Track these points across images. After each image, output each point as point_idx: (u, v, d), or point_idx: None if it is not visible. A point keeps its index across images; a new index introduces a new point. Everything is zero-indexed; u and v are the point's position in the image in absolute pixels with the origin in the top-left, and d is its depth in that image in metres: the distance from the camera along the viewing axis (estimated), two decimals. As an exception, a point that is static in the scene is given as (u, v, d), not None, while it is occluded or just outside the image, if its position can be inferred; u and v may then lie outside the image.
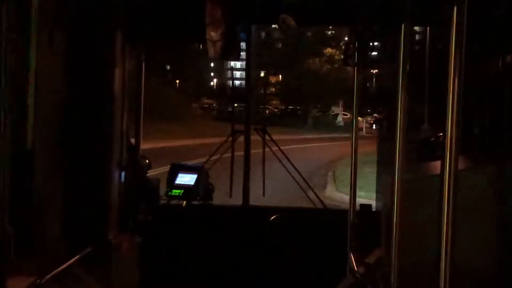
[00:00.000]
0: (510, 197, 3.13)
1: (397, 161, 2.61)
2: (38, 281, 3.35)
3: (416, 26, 2.58)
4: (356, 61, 4.34)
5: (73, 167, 4.32)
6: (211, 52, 5.31)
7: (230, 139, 6.87)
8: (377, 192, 5.40)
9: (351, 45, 4.49)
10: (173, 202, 6.06)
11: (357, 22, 4.55)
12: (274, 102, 55.33)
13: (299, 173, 7.10)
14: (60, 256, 3.85)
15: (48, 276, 3.43)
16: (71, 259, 3.82)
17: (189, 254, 5.96)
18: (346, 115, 48.41)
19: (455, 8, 1.99)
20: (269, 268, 5.91)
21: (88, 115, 4.44)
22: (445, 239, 1.97)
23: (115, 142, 4.63)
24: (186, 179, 6.09)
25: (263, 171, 7.23)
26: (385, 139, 5.31)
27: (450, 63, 2.02)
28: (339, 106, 53.92)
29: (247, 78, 7.01)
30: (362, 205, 5.53)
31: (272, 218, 6.02)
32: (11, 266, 2.89)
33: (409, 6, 2.70)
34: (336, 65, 46.14)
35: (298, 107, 57.36)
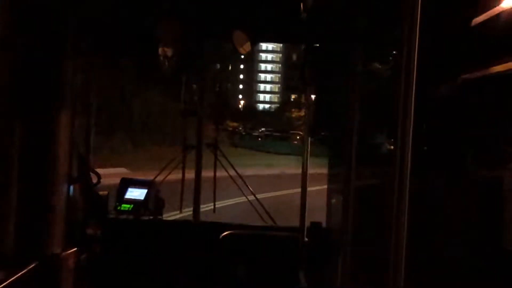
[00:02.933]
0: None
1: (351, 180, 2.63)
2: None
3: (370, 45, 2.61)
4: (309, 80, 4.37)
5: (20, 179, 4.23)
6: (165, 68, 5.31)
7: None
8: (327, 210, 5.42)
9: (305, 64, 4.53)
10: (123, 216, 6.01)
11: (311, 41, 4.59)
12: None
13: (251, 191, 7.13)
14: (6, 271, 3.76)
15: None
16: (16, 274, 3.73)
17: (137, 269, 5.90)
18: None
19: (406, 28, 2.02)
20: (218, 285, 5.89)
21: (36, 125, 4.36)
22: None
23: (64, 154, 4.55)
24: (136, 193, 6.04)
25: (214, 187, 7.23)
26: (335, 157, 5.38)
27: (401, 84, 2.04)
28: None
29: (200, 94, 7.01)
30: (312, 223, 5.55)
31: (223, 234, 6.00)
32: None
33: (363, 26, 2.73)
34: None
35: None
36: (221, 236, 6.01)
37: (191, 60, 6.17)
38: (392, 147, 2.18)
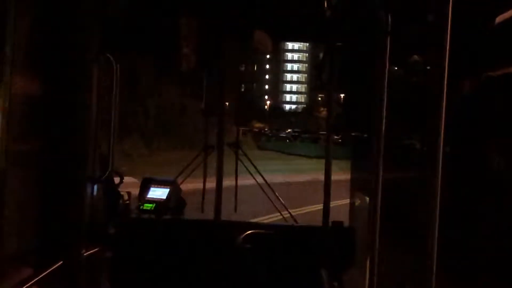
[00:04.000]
0: None
1: (378, 181, 2.61)
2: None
3: (397, 42, 2.59)
4: (329, 80, 4.34)
5: (45, 180, 4.25)
6: (184, 66, 5.30)
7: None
8: (350, 209, 5.40)
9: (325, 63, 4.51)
10: (145, 216, 6.01)
11: (333, 39, 4.57)
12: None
13: (272, 190, 7.09)
14: (31, 269, 3.78)
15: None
16: (42, 273, 3.76)
17: (159, 268, 5.91)
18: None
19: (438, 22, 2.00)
20: (240, 285, 5.88)
21: (61, 127, 4.39)
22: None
23: (88, 155, 4.58)
24: (158, 193, 6.04)
25: (236, 186, 7.22)
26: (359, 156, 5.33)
27: (432, 82, 2.02)
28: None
29: (220, 92, 6.98)
30: (334, 222, 5.52)
31: (245, 234, 5.99)
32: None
33: (390, 22, 2.71)
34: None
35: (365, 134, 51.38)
36: (242, 236, 6.00)
37: (212, 58, 6.15)
38: (420, 146, 2.16)
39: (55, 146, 4.34)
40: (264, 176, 6.97)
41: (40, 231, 4.20)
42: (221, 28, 5.70)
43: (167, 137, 36.40)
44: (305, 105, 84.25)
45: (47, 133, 4.29)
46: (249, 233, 6.04)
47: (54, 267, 3.91)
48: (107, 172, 5.22)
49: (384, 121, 2.62)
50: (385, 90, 2.63)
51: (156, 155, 32.29)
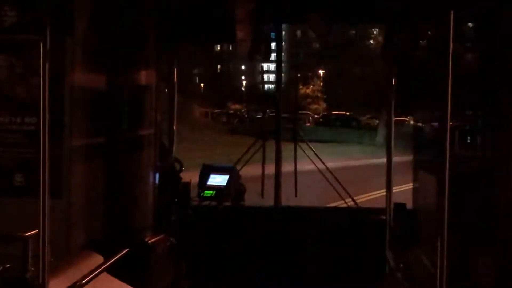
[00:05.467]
0: None
1: (446, 162, 2.56)
2: (78, 283, 3.35)
3: (460, 21, 2.53)
4: (393, 58, 4.28)
5: (109, 171, 4.32)
6: (239, 51, 5.31)
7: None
8: (413, 192, 5.33)
9: (387, 42, 4.45)
10: (205, 203, 6.06)
11: (390, 20, 4.51)
12: (315, 106, 48.42)
13: (332, 174, 7.07)
14: (100, 257, 3.85)
15: (88, 278, 3.43)
16: (110, 260, 3.82)
17: (222, 254, 5.95)
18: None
19: None
20: (305, 266, 5.87)
21: (123, 117, 4.45)
22: None
23: (150, 144, 4.63)
24: (218, 179, 6.06)
25: (295, 171, 7.21)
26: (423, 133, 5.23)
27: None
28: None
29: (278, 79, 6.98)
30: (396, 204, 5.47)
31: (307, 218, 5.99)
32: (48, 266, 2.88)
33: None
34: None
35: (347, 113, 45.71)
36: (304, 220, 6.00)
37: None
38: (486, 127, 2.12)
39: (119, 137, 4.41)
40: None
41: (107, 220, 4.27)
42: (278, 13, 5.68)
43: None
44: (283, 85, 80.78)
45: (110, 124, 4.36)
46: (311, 217, 6.03)
47: (120, 254, 3.98)
48: (169, 160, 5.28)
49: (449, 101, 2.58)
50: (450, 71, 2.58)
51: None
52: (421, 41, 4.47)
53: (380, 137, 36.65)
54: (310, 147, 7.08)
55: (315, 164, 7.04)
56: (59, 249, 3.43)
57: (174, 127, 6.11)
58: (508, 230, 2.70)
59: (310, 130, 38.17)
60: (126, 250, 4.08)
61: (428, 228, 3.53)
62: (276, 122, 6.68)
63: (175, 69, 6.02)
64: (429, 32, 4.06)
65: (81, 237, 3.97)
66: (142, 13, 4.47)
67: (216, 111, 49.32)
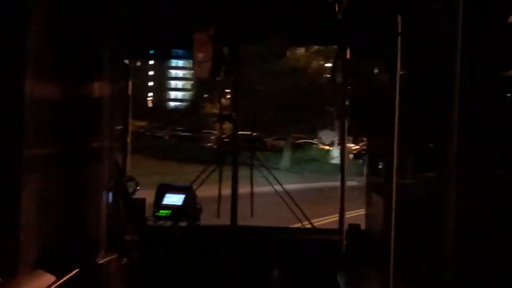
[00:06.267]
0: None
1: (393, 183, 2.60)
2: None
3: (409, 44, 2.57)
4: (342, 80, 4.34)
5: (61, 188, 4.26)
6: (198, 72, 5.32)
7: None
8: (366, 212, 5.38)
9: (337, 64, 4.50)
10: (161, 222, 6.03)
11: (347, 42, 4.56)
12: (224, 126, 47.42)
13: (287, 193, 7.10)
14: (49, 277, 3.79)
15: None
16: (58, 281, 3.76)
17: (176, 274, 5.92)
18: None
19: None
20: (259, 286, 5.87)
21: (77, 134, 4.40)
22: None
23: (103, 162, 4.58)
24: (174, 199, 6.06)
25: (251, 191, 7.22)
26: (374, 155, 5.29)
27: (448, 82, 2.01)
28: (332, 130, 37.21)
29: (234, 100, 7.00)
30: (350, 225, 5.51)
31: (261, 238, 6.00)
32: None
33: (398, 25, 2.70)
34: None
35: (253, 133, 44.67)
36: (259, 240, 6.00)
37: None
38: (436, 149, 2.15)
39: (70, 153, 4.35)
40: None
41: (57, 239, 4.20)
42: (237, 34, 5.72)
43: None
44: (189, 103, 77.95)
45: (63, 139, 4.29)
46: (266, 237, 6.04)
47: (71, 274, 3.92)
48: (123, 178, 5.24)
49: (397, 124, 2.61)
50: (397, 93, 2.62)
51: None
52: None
53: (285, 160, 34.87)
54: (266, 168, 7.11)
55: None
56: (8, 268, 3.36)
57: (128, 140, 6.08)
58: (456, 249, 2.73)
59: (215, 152, 36.48)
60: (76, 270, 4.02)
61: (379, 250, 3.56)
62: (232, 142, 6.70)
63: (130, 82, 6.00)
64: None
65: (30, 256, 3.90)
66: (98, 26, 4.44)
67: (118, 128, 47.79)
